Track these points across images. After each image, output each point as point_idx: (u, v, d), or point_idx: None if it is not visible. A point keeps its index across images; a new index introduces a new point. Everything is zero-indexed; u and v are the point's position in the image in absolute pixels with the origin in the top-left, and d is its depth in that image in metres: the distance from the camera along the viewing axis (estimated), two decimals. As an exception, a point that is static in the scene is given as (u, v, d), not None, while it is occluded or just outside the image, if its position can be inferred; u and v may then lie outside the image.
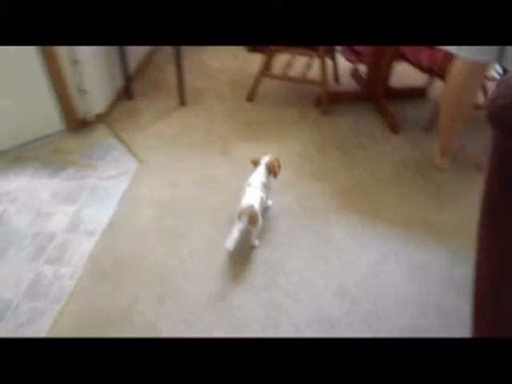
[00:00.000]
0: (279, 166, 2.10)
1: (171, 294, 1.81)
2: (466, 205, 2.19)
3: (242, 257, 1.95)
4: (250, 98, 2.97)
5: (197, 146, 2.60)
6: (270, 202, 2.20)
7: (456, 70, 2.09)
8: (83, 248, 1.99)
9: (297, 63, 3.09)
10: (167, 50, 3.10)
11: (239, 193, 1.99)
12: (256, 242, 2.01)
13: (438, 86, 2.91)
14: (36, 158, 2.48)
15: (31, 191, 2.27)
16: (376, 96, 2.90)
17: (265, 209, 2.13)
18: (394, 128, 2.70)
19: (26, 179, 2.34)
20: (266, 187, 2.04)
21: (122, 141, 2.62)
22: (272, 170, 2.06)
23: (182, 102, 2.92)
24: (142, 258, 1.94)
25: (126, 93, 2.97)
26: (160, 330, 1.68)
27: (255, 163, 2.09)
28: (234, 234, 1.82)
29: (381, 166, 2.47)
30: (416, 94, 3.04)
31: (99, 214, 2.15)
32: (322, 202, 2.24)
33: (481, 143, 2.54)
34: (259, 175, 2.03)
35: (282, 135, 2.68)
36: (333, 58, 3.07)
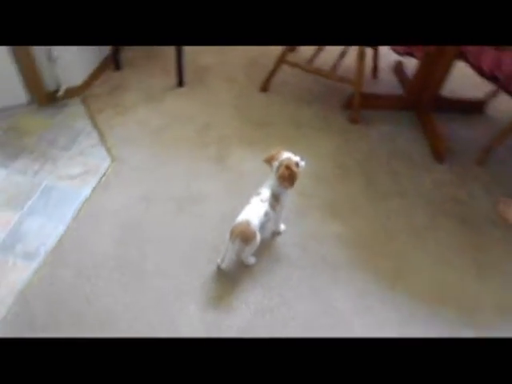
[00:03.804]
0: (292, 175, 1.52)
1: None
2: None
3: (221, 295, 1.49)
4: (265, 87, 2.38)
5: (187, 144, 2.07)
6: (282, 227, 1.74)
7: None
8: (15, 279, 1.54)
9: (330, 48, 2.47)
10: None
11: (229, 220, 1.52)
12: (251, 260, 1.63)
13: (502, 100, 2.28)
14: (-15, 136, 1.99)
15: (-31, 184, 1.80)
16: (422, 105, 2.30)
17: (272, 233, 1.74)
18: (439, 155, 2.12)
19: (-33, 166, 1.87)
20: (278, 199, 1.57)
21: (96, 125, 2.10)
22: (281, 177, 1.53)
23: (180, 82, 2.36)
24: (86, 305, 1.49)
25: (112, 61, 2.40)
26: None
27: (270, 161, 1.56)
28: (225, 252, 1.57)
29: (414, 206, 1.92)
30: (472, 109, 2.42)
31: (46, 230, 1.68)
32: (331, 251, 1.73)
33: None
34: (271, 183, 1.56)
35: (295, 144, 2.12)
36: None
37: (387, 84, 2.54)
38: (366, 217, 1.86)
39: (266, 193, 1.55)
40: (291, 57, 2.42)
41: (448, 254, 1.77)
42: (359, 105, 2.23)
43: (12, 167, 1.88)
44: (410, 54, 2.68)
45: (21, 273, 1.55)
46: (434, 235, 1.83)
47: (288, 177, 1.51)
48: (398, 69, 2.57)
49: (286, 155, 1.54)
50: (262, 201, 1.54)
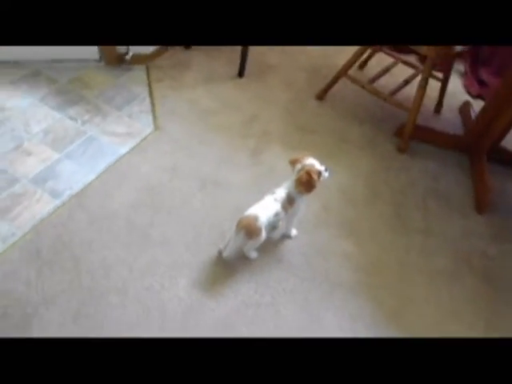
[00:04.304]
0: (310, 182, 1.50)
1: (94, 312, 1.43)
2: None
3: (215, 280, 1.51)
4: (321, 96, 2.37)
5: (229, 131, 2.11)
6: (294, 232, 1.73)
7: None
8: (37, 210, 1.66)
9: (399, 70, 2.41)
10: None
11: (244, 212, 1.54)
12: (252, 255, 1.63)
13: None
14: (53, 80, 2.16)
15: (27, 118, 1.97)
16: (478, 150, 2.17)
17: (282, 235, 1.73)
18: (481, 205, 1.99)
19: (30, 102, 2.04)
20: (292, 203, 1.56)
21: (151, 94, 2.21)
22: (298, 181, 1.53)
23: (240, 73, 2.41)
24: (88, 252, 1.57)
25: (184, 40, 2.51)
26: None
27: (294, 163, 1.57)
28: (229, 241, 1.57)
29: (438, 250, 1.82)
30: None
31: (77, 175, 1.80)
32: (335, 269, 1.68)
33: None
34: (289, 184, 1.56)
35: (333, 157, 2.08)
36: (444, 79, 2.33)
37: (449, 122, 2.42)
38: (382, 245, 1.79)
39: (281, 193, 1.55)
40: (355, 72, 2.39)
41: (460, 308, 1.66)
42: (410, 134, 2.15)
43: (66, 112, 2.03)
44: (482, 98, 2.55)
45: (43, 206, 1.67)
46: (451, 285, 1.72)
47: (305, 182, 1.50)
48: (465, 109, 2.45)
49: (311, 161, 1.53)
50: (275, 200, 1.54)
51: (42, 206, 1.67)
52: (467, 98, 2.60)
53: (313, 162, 1.53)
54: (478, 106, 2.39)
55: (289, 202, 1.55)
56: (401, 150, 2.18)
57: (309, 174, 1.49)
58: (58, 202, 1.69)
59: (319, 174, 1.52)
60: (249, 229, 1.50)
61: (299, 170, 1.52)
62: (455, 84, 2.62)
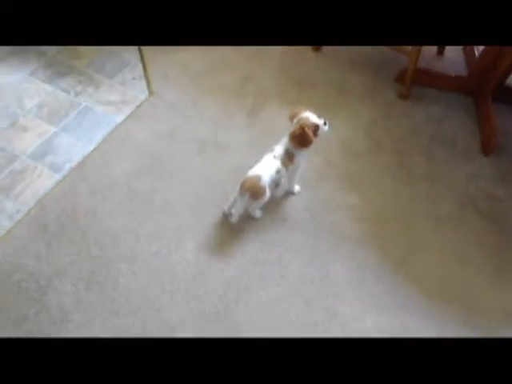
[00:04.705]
0: (303, 136, 1.47)
1: (105, 280, 1.46)
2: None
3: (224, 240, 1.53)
4: (317, 47, 2.29)
5: (223, 92, 2.07)
6: (297, 188, 1.72)
7: None
8: (39, 185, 1.67)
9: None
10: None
11: (245, 171, 1.53)
12: (257, 214, 1.64)
13: None
14: (42, 53, 2.11)
15: (19, 94, 1.94)
16: (482, 90, 2.09)
17: (286, 192, 1.73)
18: (487, 147, 1.94)
19: (21, 77, 2.00)
20: (291, 158, 1.55)
21: (142, 59, 2.14)
22: (291, 135, 1.51)
23: (232, 29, 2.32)
24: (93, 222, 1.59)
25: None
26: (73, 321, 1.37)
27: (291, 118, 1.55)
28: (233, 202, 1.58)
29: (443, 195, 1.80)
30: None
31: (75, 147, 1.79)
32: (340, 221, 1.68)
33: None
34: (286, 140, 1.54)
35: (333, 109, 2.03)
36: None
37: (452, 63, 2.33)
38: (386, 194, 1.78)
39: (279, 149, 1.53)
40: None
41: (468, 250, 1.66)
42: (411, 79, 2.07)
43: (58, 85, 1.99)
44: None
45: (45, 181, 1.68)
46: (458, 228, 1.71)
47: (298, 136, 1.47)
48: (469, 47, 2.34)
49: (306, 115, 1.49)
50: (274, 157, 1.52)
51: (43, 181, 1.68)
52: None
53: (307, 116, 1.49)
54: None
55: (288, 157, 1.53)
56: (402, 96, 2.12)
57: (302, 127, 1.46)
58: (58, 176, 1.70)
59: (316, 127, 1.49)
60: (253, 190, 1.49)
61: (295, 125, 1.49)
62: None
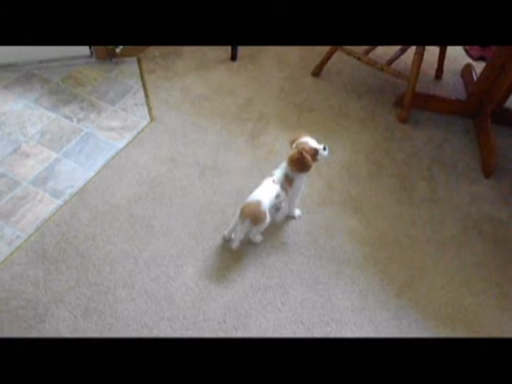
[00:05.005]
0: (301, 160, 1.47)
1: (103, 307, 1.44)
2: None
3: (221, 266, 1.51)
4: (317, 72, 2.32)
5: (225, 116, 2.08)
6: (297, 212, 1.71)
7: None
8: (40, 211, 1.66)
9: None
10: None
11: (246, 196, 1.53)
12: (258, 238, 1.62)
13: None
14: (46, 80, 2.15)
15: (22, 121, 1.96)
16: (482, 113, 2.10)
17: (286, 216, 1.72)
18: (488, 169, 1.94)
19: (25, 104, 2.03)
20: (290, 183, 1.54)
21: (144, 86, 2.18)
22: (289, 159, 1.51)
23: (233, 57, 2.37)
24: (93, 248, 1.58)
25: (173, 27, 2.47)
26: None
27: (291, 143, 1.55)
28: (233, 227, 1.56)
29: (445, 217, 1.78)
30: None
31: (77, 173, 1.80)
32: (341, 245, 1.67)
33: None
34: (285, 165, 1.54)
35: (334, 133, 2.05)
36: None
37: (451, 87, 2.35)
38: (388, 218, 1.77)
39: (278, 174, 1.53)
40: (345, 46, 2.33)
41: (471, 275, 1.63)
42: (410, 103, 2.09)
43: (61, 112, 2.02)
44: (483, 59, 2.47)
45: (46, 207, 1.68)
46: (461, 252, 1.69)
47: (296, 160, 1.47)
48: (467, 72, 2.37)
49: (305, 139, 1.50)
50: (273, 181, 1.52)
51: (44, 207, 1.68)
52: (468, 60, 2.52)
53: (306, 140, 1.50)
54: (479, 68, 2.31)
55: (287, 182, 1.53)
56: (402, 119, 2.13)
57: (300, 152, 1.46)
58: (59, 202, 1.70)
59: (315, 151, 1.49)
60: (254, 215, 1.48)
61: (294, 149, 1.50)
62: (455, 48, 2.54)
